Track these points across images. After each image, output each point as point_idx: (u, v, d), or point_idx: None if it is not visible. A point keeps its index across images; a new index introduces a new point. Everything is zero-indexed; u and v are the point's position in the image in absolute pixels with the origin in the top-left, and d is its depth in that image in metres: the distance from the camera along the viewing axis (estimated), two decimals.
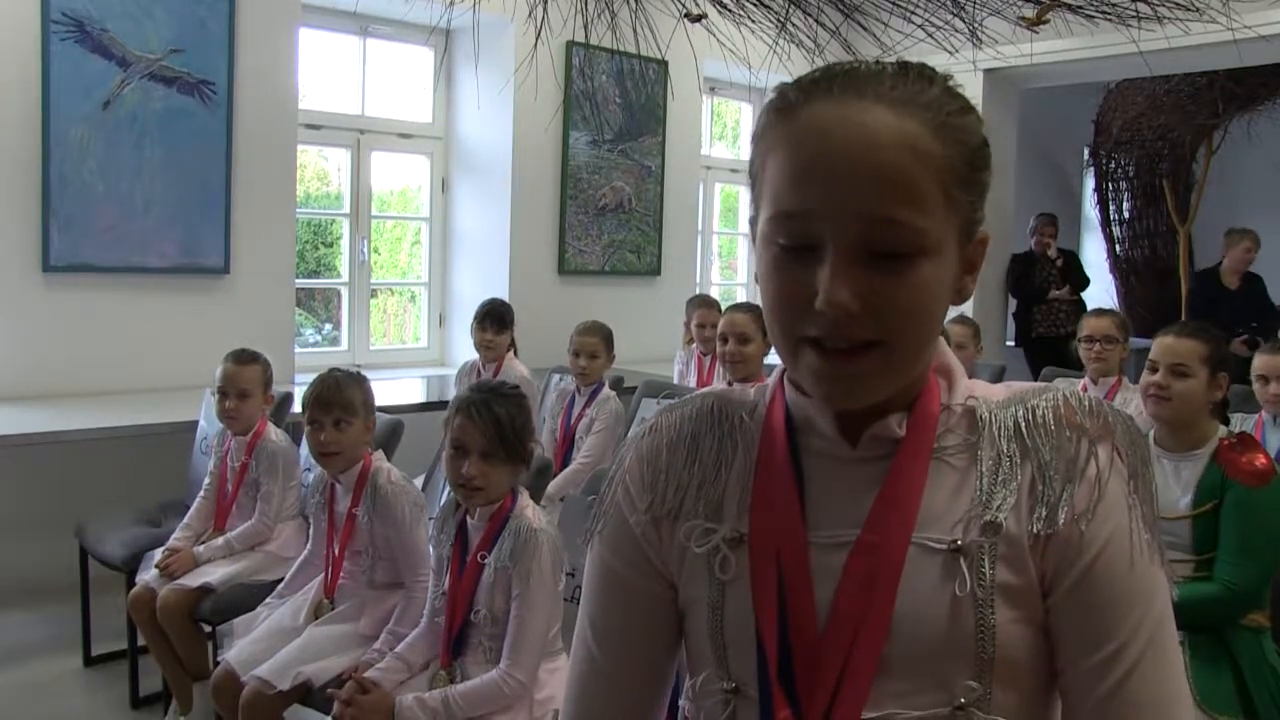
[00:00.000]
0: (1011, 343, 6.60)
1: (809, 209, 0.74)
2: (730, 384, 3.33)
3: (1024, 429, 0.80)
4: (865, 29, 2.85)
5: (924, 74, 0.77)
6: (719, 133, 6.79)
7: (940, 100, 0.76)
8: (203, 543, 2.83)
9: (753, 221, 0.83)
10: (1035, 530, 0.78)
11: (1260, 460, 2.13)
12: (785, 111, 0.77)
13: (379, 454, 2.51)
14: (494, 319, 4.01)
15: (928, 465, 0.80)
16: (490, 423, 1.99)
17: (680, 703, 0.91)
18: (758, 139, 0.80)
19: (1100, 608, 0.77)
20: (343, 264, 5.22)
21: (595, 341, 3.76)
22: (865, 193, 0.72)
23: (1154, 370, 2.26)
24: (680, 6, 2.78)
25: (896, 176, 0.73)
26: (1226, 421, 2.41)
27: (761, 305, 0.79)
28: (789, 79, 0.80)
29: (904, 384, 0.80)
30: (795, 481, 0.83)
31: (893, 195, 0.72)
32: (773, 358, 3.91)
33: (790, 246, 0.76)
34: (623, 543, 0.89)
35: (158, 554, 2.80)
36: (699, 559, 0.85)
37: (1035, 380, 5.17)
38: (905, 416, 0.81)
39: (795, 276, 0.75)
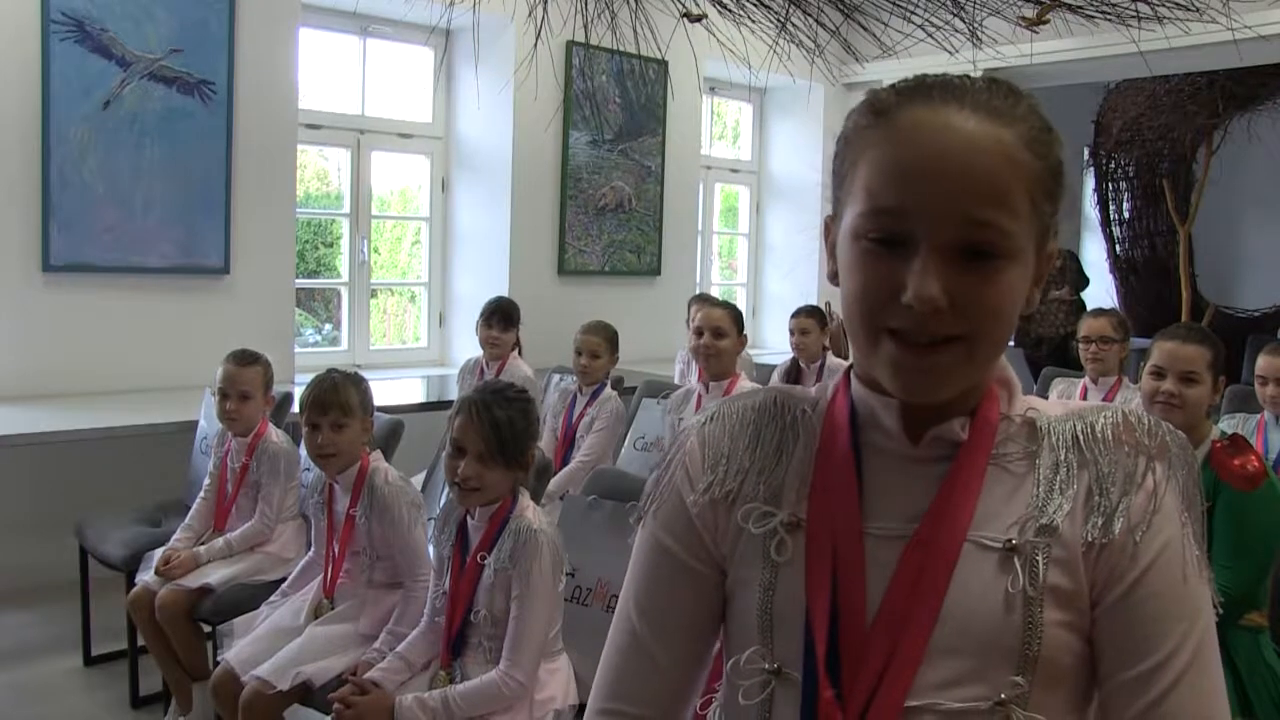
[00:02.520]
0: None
1: (906, 206, 0.77)
2: (706, 386, 3.33)
3: (1082, 441, 0.83)
4: (865, 29, 2.85)
5: (1013, 90, 0.81)
6: (719, 133, 6.78)
7: (1029, 115, 0.80)
8: (202, 543, 2.83)
9: (830, 219, 0.87)
10: (1090, 538, 0.80)
11: (1252, 463, 2.11)
12: (882, 114, 0.81)
13: (376, 454, 2.50)
14: (501, 316, 4.00)
15: (986, 468, 0.83)
16: (489, 426, 1.99)
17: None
18: (848, 140, 0.84)
19: (1147, 619, 0.78)
20: (343, 264, 5.22)
21: (598, 341, 3.75)
22: (963, 195, 0.76)
23: (1159, 376, 2.23)
24: (680, 6, 2.78)
25: (993, 181, 0.76)
26: (1215, 420, 2.40)
27: (841, 297, 0.83)
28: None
29: (972, 386, 0.83)
30: (855, 473, 0.85)
31: (988, 199, 0.76)
32: (762, 358, 3.89)
33: (880, 240, 0.78)
34: (677, 522, 0.91)
35: (158, 554, 2.80)
36: (754, 540, 0.87)
37: (1035, 382, 5.16)
38: (968, 421, 0.84)
39: (883, 270, 0.78)
